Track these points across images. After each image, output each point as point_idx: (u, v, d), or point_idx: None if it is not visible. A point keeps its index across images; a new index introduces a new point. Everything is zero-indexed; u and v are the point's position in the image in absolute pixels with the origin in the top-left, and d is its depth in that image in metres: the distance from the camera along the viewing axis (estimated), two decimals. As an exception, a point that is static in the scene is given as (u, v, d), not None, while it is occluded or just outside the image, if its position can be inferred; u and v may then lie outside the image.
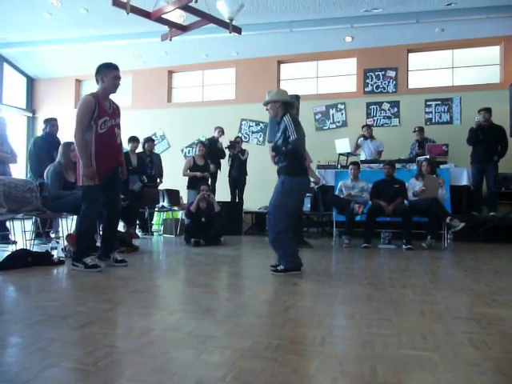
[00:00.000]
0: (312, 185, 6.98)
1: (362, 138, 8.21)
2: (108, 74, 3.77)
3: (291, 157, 3.69)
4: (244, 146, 8.60)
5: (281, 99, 3.78)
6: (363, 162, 7.52)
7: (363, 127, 8.32)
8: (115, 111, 3.91)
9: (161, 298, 3.05)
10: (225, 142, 8.22)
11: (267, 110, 3.87)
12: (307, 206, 7.68)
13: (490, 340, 1.98)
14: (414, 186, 6.17)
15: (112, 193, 3.96)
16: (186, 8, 4.96)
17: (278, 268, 3.73)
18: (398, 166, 6.79)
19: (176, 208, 7.79)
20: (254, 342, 1.91)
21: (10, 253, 3.99)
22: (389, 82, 9.52)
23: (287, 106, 3.81)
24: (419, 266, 4.42)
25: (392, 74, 9.49)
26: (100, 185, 3.77)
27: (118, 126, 3.92)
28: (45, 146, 5.87)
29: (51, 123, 6.22)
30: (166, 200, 7.74)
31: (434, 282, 3.54)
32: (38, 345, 1.84)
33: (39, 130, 9.51)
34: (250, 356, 1.75)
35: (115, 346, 1.83)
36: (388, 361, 1.73)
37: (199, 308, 2.56)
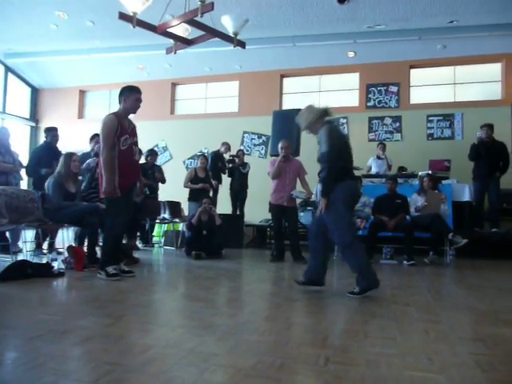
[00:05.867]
0: (302, 199, 6.92)
1: (371, 159, 8.19)
2: (130, 96, 4.06)
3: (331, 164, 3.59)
4: (246, 158, 8.61)
5: (310, 121, 3.69)
6: (365, 176, 7.51)
7: (378, 145, 8.30)
8: (133, 130, 4.16)
9: (161, 313, 3.02)
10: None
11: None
12: (308, 219, 7.66)
13: (496, 361, 1.95)
14: (416, 201, 6.16)
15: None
16: (192, 22, 5.01)
17: (355, 290, 3.45)
18: (400, 180, 6.79)
19: (177, 220, 7.77)
20: (258, 361, 1.87)
21: (9, 264, 3.96)
22: (391, 97, 9.57)
23: (322, 117, 3.67)
24: (422, 283, 4.38)
25: (394, 89, 9.55)
26: (122, 197, 3.94)
27: (136, 143, 4.16)
28: (44, 158, 5.83)
29: (52, 133, 6.23)
30: (167, 212, 7.73)
31: (437, 299, 3.51)
32: (38, 361, 1.81)
33: (42, 140, 9.54)
34: (253, 375, 1.72)
35: (116, 364, 1.80)
36: (394, 382, 1.70)
37: (201, 324, 2.52)
